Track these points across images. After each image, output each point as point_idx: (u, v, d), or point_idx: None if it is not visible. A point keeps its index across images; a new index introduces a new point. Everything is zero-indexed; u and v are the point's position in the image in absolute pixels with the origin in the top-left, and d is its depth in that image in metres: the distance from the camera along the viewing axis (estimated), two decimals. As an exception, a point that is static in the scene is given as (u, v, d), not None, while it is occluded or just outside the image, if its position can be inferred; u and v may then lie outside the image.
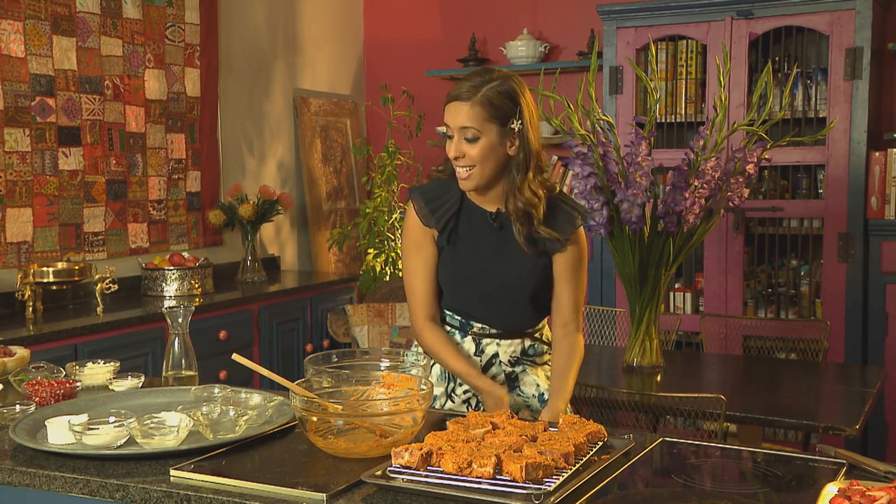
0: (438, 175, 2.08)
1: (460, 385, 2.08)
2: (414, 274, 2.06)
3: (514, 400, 2.08)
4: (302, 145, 4.97)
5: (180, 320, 1.95)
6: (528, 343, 2.09)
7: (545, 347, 2.12)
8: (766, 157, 2.94)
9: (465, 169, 1.94)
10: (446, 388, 2.09)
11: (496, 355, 2.07)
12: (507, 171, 1.96)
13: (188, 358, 1.96)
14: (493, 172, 1.95)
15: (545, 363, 2.13)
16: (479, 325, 2.06)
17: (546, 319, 2.14)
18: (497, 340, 2.07)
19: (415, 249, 2.06)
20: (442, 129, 4.73)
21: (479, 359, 2.07)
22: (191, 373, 1.96)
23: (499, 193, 2.00)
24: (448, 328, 2.10)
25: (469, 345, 2.08)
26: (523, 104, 1.94)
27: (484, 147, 1.91)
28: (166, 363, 1.96)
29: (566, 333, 2.07)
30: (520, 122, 1.93)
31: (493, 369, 2.08)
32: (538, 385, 2.09)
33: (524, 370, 2.09)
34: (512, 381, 2.09)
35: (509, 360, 2.08)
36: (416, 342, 2.17)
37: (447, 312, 2.10)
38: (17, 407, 1.77)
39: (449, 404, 2.09)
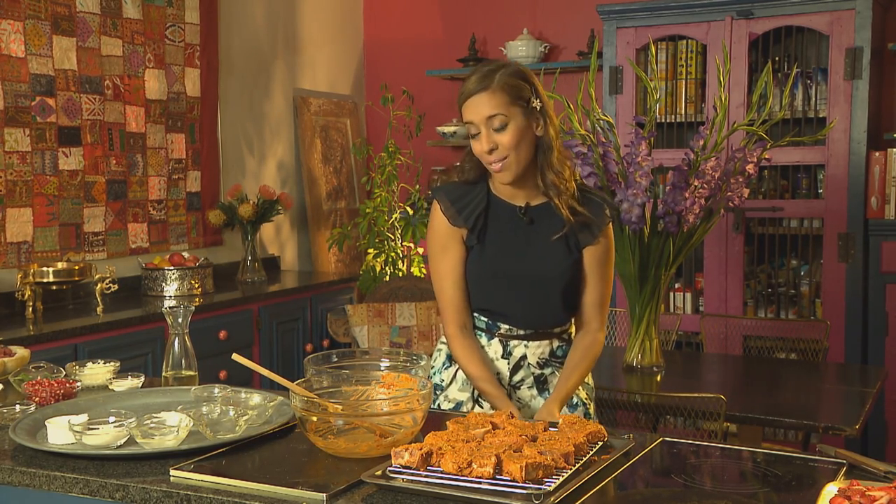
0: (460, 179, 2.04)
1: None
2: (443, 277, 2.02)
3: (542, 403, 2.02)
4: (302, 145, 4.97)
5: (180, 320, 1.95)
6: (556, 344, 2.05)
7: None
8: (766, 156, 2.94)
9: (499, 162, 1.90)
10: (472, 394, 2.05)
11: (524, 357, 2.02)
12: (537, 155, 1.94)
13: (188, 358, 1.96)
14: (527, 158, 1.93)
15: None
16: (507, 327, 2.02)
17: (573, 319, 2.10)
18: (525, 342, 2.02)
19: (441, 251, 2.01)
20: (445, 129, 4.74)
21: (506, 361, 2.03)
22: (191, 373, 1.96)
23: (528, 185, 1.97)
24: (475, 330, 2.06)
25: (496, 347, 2.03)
26: (536, 83, 1.93)
27: (514, 132, 1.88)
28: (166, 363, 1.96)
29: (587, 331, 2.04)
30: (539, 100, 1.92)
31: (522, 372, 2.03)
32: None
33: (553, 372, 2.04)
34: (541, 384, 2.04)
35: (538, 362, 2.03)
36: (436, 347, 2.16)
37: (474, 314, 2.06)
38: (17, 407, 1.77)
39: (477, 409, 2.04)
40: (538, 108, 1.92)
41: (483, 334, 2.05)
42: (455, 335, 2.01)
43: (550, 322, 2.03)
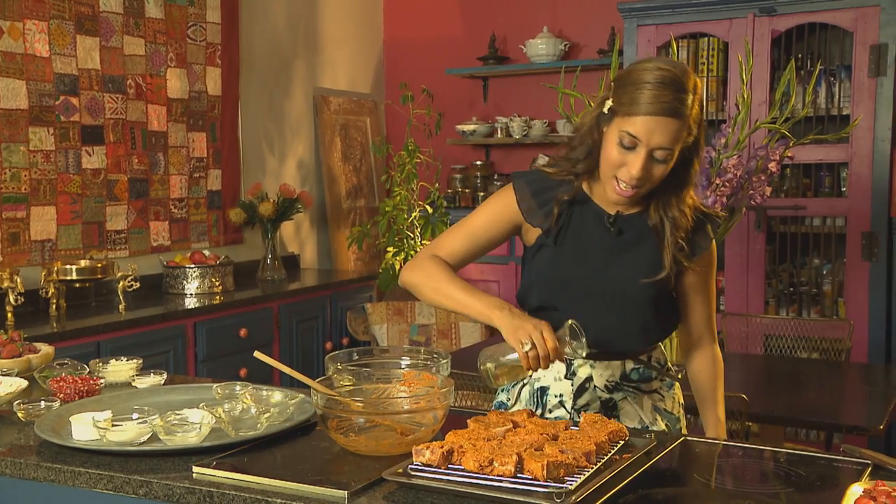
0: (547, 172, 1.79)
1: (550, 411, 1.83)
2: (466, 231, 1.81)
3: None
4: (322, 144, 4.98)
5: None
6: (630, 366, 1.81)
7: (653, 373, 1.84)
8: (789, 155, 2.92)
9: (632, 189, 1.66)
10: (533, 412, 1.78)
11: (590, 379, 1.80)
12: (666, 187, 1.71)
13: None
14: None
15: (654, 391, 1.84)
16: None
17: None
18: (591, 362, 1.79)
19: (486, 220, 1.80)
20: (465, 128, 4.60)
21: (570, 382, 1.81)
22: None
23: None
24: None
25: (558, 365, 1.80)
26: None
27: (669, 168, 1.65)
28: None
29: (702, 346, 1.88)
30: (698, 129, 1.66)
31: (587, 395, 1.80)
32: (641, 418, 1.82)
33: (625, 398, 1.81)
34: (609, 410, 1.81)
35: (606, 386, 1.80)
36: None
37: None
38: (42, 403, 1.79)
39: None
40: (691, 142, 1.66)
41: None
42: (428, 256, 1.79)
43: (621, 346, 1.80)
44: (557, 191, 1.77)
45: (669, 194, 1.72)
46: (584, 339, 1.61)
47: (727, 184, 2.78)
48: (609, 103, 1.67)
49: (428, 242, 4.77)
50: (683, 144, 1.65)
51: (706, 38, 4.20)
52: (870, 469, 1.46)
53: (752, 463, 1.57)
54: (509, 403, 1.91)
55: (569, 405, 1.81)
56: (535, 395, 1.85)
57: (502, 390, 1.93)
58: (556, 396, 1.83)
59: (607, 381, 1.81)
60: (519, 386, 1.89)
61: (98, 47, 3.71)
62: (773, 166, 2.84)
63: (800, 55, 4.10)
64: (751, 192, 2.85)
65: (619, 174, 1.66)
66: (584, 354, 1.62)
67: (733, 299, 4.13)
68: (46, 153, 3.53)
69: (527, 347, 1.58)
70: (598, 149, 1.70)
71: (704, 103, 1.68)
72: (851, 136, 3.86)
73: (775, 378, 3.10)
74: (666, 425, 1.85)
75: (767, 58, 4.00)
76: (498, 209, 1.80)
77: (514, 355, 1.61)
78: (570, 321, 1.63)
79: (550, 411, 1.83)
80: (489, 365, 1.63)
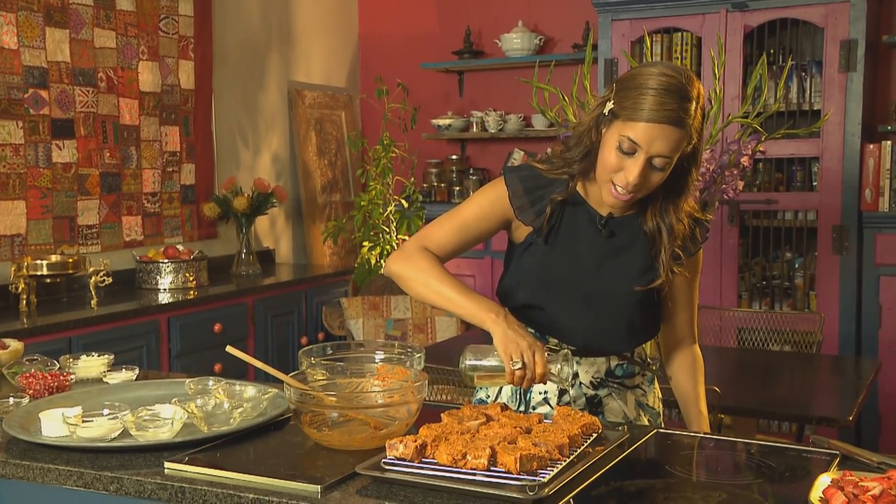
0: (540, 169, 1.77)
1: (534, 408, 1.82)
2: (453, 229, 1.77)
3: None
4: (297, 138, 4.96)
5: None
6: (614, 362, 1.81)
7: (636, 368, 1.85)
8: (761, 149, 2.94)
9: (628, 194, 1.64)
10: (517, 409, 1.83)
11: (576, 375, 1.79)
12: (662, 194, 1.70)
13: None
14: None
15: (636, 386, 1.85)
16: (556, 341, 1.79)
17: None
18: (577, 358, 1.78)
19: (473, 218, 1.77)
20: (440, 122, 4.60)
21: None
22: None
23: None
24: None
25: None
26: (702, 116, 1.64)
27: (666, 175, 1.63)
28: None
29: (683, 347, 1.89)
30: (697, 138, 1.64)
31: (572, 392, 1.80)
32: (625, 413, 1.82)
33: (610, 394, 1.81)
34: (595, 407, 1.81)
35: (591, 382, 1.80)
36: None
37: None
38: (11, 399, 1.77)
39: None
40: (690, 151, 1.64)
41: None
42: (418, 249, 1.75)
43: (608, 347, 1.80)
44: (550, 189, 1.74)
45: (667, 201, 1.71)
46: (572, 371, 1.60)
47: (700, 178, 2.80)
48: (610, 105, 1.63)
49: (404, 237, 4.77)
50: (682, 153, 1.63)
51: (679, 33, 4.23)
52: (838, 459, 1.48)
53: (724, 455, 1.59)
54: (489, 401, 1.90)
55: (553, 402, 1.81)
56: (517, 392, 1.84)
57: (481, 388, 1.93)
58: (540, 393, 1.82)
59: (592, 377, 1.81)
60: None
61: (68, 40, 3.66)
62: (745, 161, 2.87)
63: (772, 50, 4.14)
64: (723, 186, 2.87)
65: (615, 178, 1.63)
66: (567, 385, 1.62)
67: (707, 293, 4.16)
68: (15, 146, 3.48)
69: (517, 365, 1.57)
70: (596, 150, 1.67)
71: (706, 110, 1.68)
72: (822, 130, 3.91)
73: (748, 371, 3.13)
74: (648, 420, 1.85)
75: (740, 53, 4.03)
76: (489, 203, 1.77)
77: (500, 364, 1.60)
78: (565, 350, 1.63)
79: (534, 408, 1.82)
80: (470, 366, 1.62)
